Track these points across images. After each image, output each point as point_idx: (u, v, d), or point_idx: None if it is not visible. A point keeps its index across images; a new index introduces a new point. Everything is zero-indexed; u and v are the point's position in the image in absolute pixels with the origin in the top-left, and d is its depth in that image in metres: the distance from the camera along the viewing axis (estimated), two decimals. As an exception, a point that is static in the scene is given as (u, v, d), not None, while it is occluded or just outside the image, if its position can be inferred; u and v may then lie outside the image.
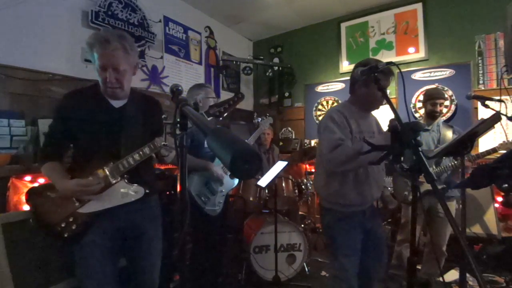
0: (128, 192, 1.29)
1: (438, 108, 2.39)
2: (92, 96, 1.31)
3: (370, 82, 1.40)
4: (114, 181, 1.25)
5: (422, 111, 3.32)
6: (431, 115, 2.42)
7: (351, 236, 1.52)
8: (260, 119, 2.51)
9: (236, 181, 2.23)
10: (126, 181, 1.29)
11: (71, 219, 1.22)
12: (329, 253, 1.64)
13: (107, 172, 1.24)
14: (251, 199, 2.77)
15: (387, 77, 1.45)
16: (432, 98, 2.41)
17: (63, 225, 1.21)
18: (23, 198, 1.87)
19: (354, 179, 1.50)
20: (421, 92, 3.39)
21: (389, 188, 1.84)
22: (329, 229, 1.59)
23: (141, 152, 1.28)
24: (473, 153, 2.20)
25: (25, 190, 1.92)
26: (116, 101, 1.33)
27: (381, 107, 1.61)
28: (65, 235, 1.21)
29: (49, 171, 1.27)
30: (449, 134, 2.36)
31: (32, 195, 1.28)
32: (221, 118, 1.36)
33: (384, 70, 1.34)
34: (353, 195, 1.50)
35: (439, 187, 2.24)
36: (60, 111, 1.31)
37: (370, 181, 1.53)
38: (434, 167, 2.26)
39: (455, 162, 2.18)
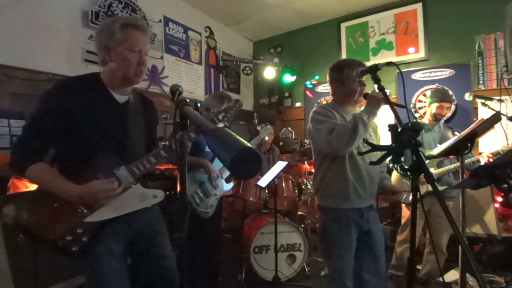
0: (147, 195, 1.21)
1: (445, 112, 2.38)
2: (93, 87, 1.16)
3: (345, 79, 1.53)
4: (131, 185, 1.15)
5: (422, 111, 3.32)
6: (436, 118, 2.41)
7: (345, 235, 1.49)
8: (260, 126, 2.51)
9: (231, 185, 2.26)
10: (141, 184, 1.21)
11: (79, 230, 1.05)
12: (323, 252, 1.61)
13: (124, 175, 1.13)
14: (251, 199, 2.77)
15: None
16: (439, 100, 2.38)
17: (68, 238, 1.04)
18: (23, 198, 1.88)
19: (348, 174, 1.49)
20: (421, 92, 3.39)
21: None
22: (323, 228, 1.57)
23: (157, 155, 1.18)
24: (473, 153, 2.21)
25: (25, 190, 1.93)
26: (120, 96, 1.21)
27: (381, 107, 1.60)
28: (74, 249, 1.05)
29: (44, 173, 1.07)
30: (449, 135, 2.37)
31: (9, 205, 1.06)
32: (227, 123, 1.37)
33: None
34: (348, 190, 1.48)
35: (441, 188, 2.24)
36: (53, 100, 1.08)
37: (363, 176, 1.51)
38: (436, 168, 2.27)
39: (458, 163, 2.18)
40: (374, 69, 1.28)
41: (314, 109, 1.59)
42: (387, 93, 1.29)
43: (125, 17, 1.20)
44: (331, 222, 1.52)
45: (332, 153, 1.48)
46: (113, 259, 1.11)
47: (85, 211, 1.08)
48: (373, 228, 1.55)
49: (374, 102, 1.42)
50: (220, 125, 1.40)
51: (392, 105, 1.18)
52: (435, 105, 2.40)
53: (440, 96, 2.41)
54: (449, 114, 3.21)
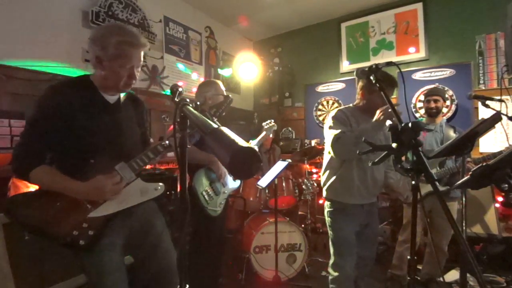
0: (147, 189, 1.25)
1: (432, 105, 2.41)
2: (85, 89, 1.20)
3: (374, 89, 1.56)
4: (131, 180, 1.19)
5: (422, 111, 3.32)
6: (428, 113, 2.47)
7: (349, 223, 1.70)
8: (265, 124, 2.46)
9: (238, 182, 2.21)
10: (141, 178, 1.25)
11: (85, 225, 1.10)
12: (331, 239, 1.76)
13: (125, 170, 1.17)
14: (251, 199, 2.77)
15: (390, 88, 1.58)
16: (427, 95, 2.50)
17: (75, 233, 1.08)
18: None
19: (355, 176, 1.66)
20: (421, 92, 3.39)
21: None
22: (332, 217, 1.76)
23: (155, 151, 1.25)
24: (473, 153, 2.21)
25: (26, 190, 1.93)
26: (110, 96, 1.25)
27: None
28: (81, 243, 1.08)
29: (48, 175, 1.09)
30: (452, 134, 2.37)
31: (17, 205, 1.08)
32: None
33: (387, 80, 1.44)
34: (353, 190, 1.67)
35: (443, 188, 2.24)
36: (49, 103, 1.11)
37: (368, 179, 1.68)
38: (437, 168, 2.27)
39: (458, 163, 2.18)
40: (374, 69, 1.28)
41: (334, 112, 1.71)
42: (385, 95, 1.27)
43: (122, 31, 1.17)
44: (337, 212, 1.73)
45: (337, 159, 1.67)
46: (115, 252, 1.16)
47: (89, 206, 1.12)
48: (371, 220, 1.77)
49: (383, 116, 1.45)
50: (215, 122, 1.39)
51: (395, 113, 1.15)
52: (424, 100, 2.52)
53: (430, 91, 2.53)
54: (449, 114, 3.21)
